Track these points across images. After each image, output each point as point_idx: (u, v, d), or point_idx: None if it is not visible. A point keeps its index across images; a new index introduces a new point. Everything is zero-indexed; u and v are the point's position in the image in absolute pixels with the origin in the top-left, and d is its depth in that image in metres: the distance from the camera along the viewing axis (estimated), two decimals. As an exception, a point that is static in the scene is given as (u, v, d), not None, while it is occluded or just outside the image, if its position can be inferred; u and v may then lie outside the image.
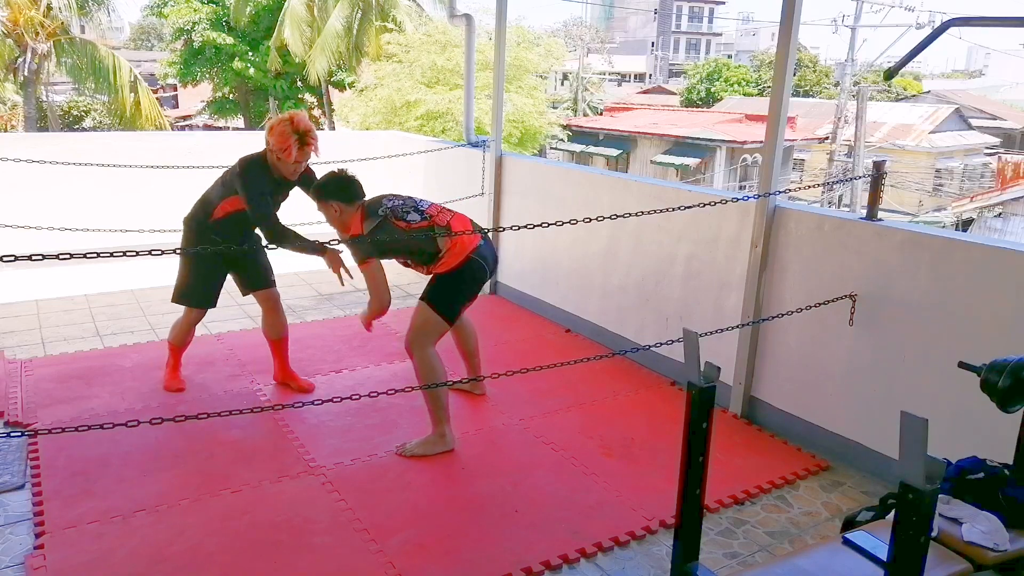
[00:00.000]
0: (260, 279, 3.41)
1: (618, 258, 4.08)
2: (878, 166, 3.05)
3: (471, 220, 3.01)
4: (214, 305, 3.39)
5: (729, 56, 43.29)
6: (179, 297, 3.35)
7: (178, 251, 2.03)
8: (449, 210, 3.03)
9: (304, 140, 2.97)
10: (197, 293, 3.33)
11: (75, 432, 2.42)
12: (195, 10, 18.04)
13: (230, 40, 17.84)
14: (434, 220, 2.91)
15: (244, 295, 3.49)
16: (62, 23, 13.84)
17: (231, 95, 20.12)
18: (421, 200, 3.02)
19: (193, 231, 3.23)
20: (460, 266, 2.90)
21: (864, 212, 2.97)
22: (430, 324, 2.92)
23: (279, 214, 3.13)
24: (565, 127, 20.73)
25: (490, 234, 4.95)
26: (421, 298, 2.96)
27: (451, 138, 10.57)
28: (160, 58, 23.87)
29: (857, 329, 2.90)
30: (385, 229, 2.86)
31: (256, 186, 3.02)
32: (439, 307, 2.92)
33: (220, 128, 20.27)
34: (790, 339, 3.18)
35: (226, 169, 3.19)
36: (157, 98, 15.68)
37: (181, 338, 3.46)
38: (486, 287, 5.20)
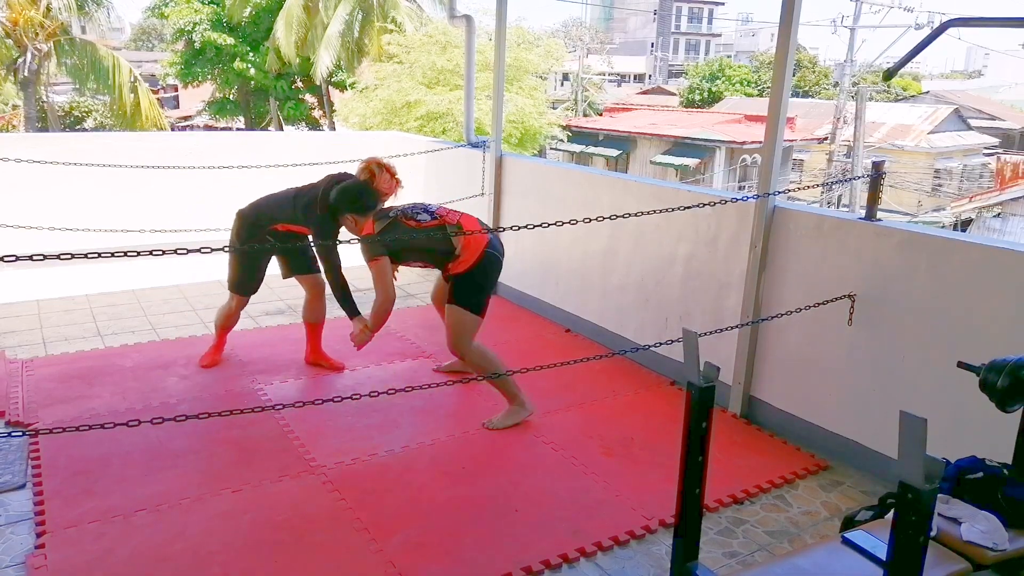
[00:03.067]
0: (308, 264, 3.63)
1: (618, 258, 4.09)
2: (877, 166, 3.06)
3: (477, 218, 3.22)
4: (255, 292, 3.67)
5: (729, 56, 43.29)
6: (235, 287, 3.63)
7: (178, 251, 2.03)
8: (456, 211, 3.20)
9: (398, 181, 3.35)
10: (251, 282, 3.63)
11: (76, 432, 2.43)
12: (196, 11, 18.04)
13: (231, 41, 17.84)
14: (444, 220, 3.10)
15: (285, 278, 3.72)
16: (62, 23, 13.84)
17: (232, 95, 20.12)
18: (429, 204, 3.23)
19: (245, 228, 3.47)
20: (477, 262, 3.08)
21: (863, 212, 2.97)
22: (465, 323, 3.09)
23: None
24: (565, 127, 20.71)
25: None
26: (448, 302, 3.13)
27: (451, 138, 10.57)
28: (161, 58, 23.87)
29: (856, 329, 2.90)
30: (396, 228, 3.08)
31: (328, 234, 3.30)
32: (467, 305, 3.09)
33: (221, 128, 20.27)
34: (789, 339, 3.18)
35: (299, 194, 3.40)
36: (158, 99, 15.71)
37: (226, 322, 3.76)
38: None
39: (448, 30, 15.00)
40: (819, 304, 2.95)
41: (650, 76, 46.43)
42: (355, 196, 3.17)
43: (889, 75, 3.70)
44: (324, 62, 15.99)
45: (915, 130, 21.48)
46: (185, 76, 19.14)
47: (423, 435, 3.13)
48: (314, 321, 3.76)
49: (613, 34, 50.75)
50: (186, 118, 25.23)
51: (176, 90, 25.70)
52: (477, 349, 3.15)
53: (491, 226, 4.93)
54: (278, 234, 3.46)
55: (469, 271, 3.09)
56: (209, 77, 19.19)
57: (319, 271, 3.57)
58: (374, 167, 3.27)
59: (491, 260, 3.12)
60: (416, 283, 5.42)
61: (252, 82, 18.64)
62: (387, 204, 3.33)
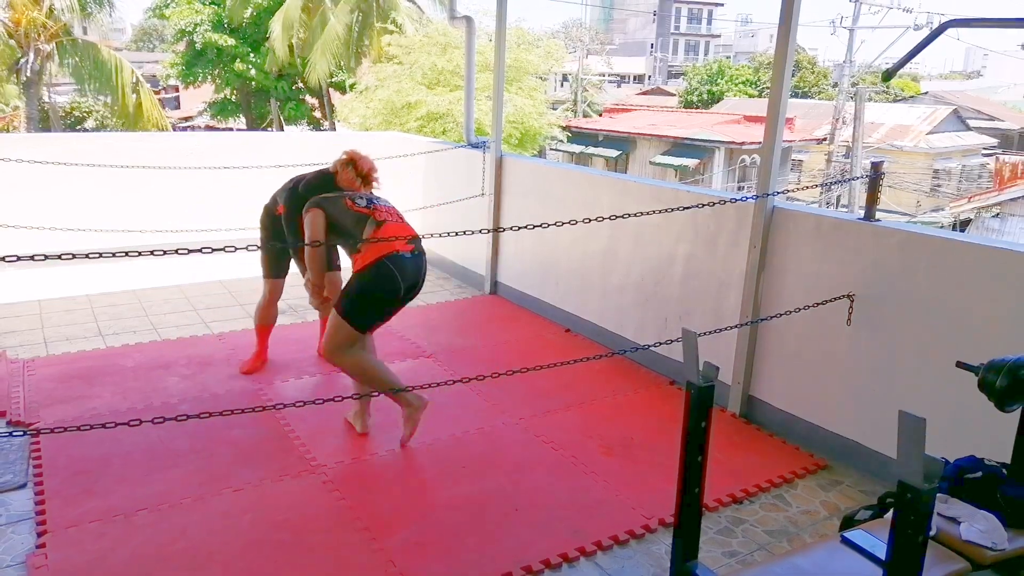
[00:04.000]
0: (328, 263, 3.66)
1: (618, 258, 4.10)
2: (876, 167, 3.06)
3: (413, 234, 2.97)
4: (284, 275, 3.75)
5: (728, 57, 43.31)
6: (266, 272, 3.72)
7: (179, 251, 2.03)
8: (401, 220, 3.01)
9: (367, 180, 3.29)
10: (278, 264, 3.72)
11: (77, 431, 2.43)
12: (197, 12, 18.05)
13: (231, 41, 17.85)
14: (373, 214, 2.95)
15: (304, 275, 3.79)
16: (64, 24, 13.84)
17: (233, 96, 20.13)
18: (383, 201, 3.09)
19: (266, 215, 3.63)
20: (369, 267, 2.83)
21: (862, 212, 2.98)
22: (340, 333, 2.86)
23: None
24: (564, 128, 20.71)
25: (491, 240, 4.98)
26: (334, 304, 2.95)
27: (451, 139, 10.56)
28: (162, 59, 23.88)
29: (855, 329, 2.91)
30: (335, 201, 3.01)
31: (293, 209, 3.32)
32: (346, 313, 2.86)
33: (222, 129, 20.27)
34: (788, 339, 3.19)
35: (289, 179, 3.51)
36: (159, 99, 15.69)
37: (264, 317, 3.78)
38: (485, 286, 5.21)
39: (448, 31, 15.01)
40: (818, 304, 2.95)
41: (650, 77, 46.44)
42: (312, 191, 3.21)
43: (888, 76, 3.71)
44: (321, 67, 15.96)
45: (914, 131, 21.48)
46: (186, 77, 19.14)
47: (423, 435, 3.13)
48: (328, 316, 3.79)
49: (613, 35, 50.77)
50: (187, 119, 25.23)
51: (177, 91, 25.70)
52: (353, 359, 2.88)
53: (491, 226, 4.94)
54: (280, 218, 3.53)
55: (358, 272, 2.87)
56: (210, 78, 19.20)
57: (337, 268, 3.66)
58: (339, 164, 3.28)
59: (381, 271, 2.81)
60: (416, 283, 5.42)
61: (253, 83, 18.64)
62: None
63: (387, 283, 2.83)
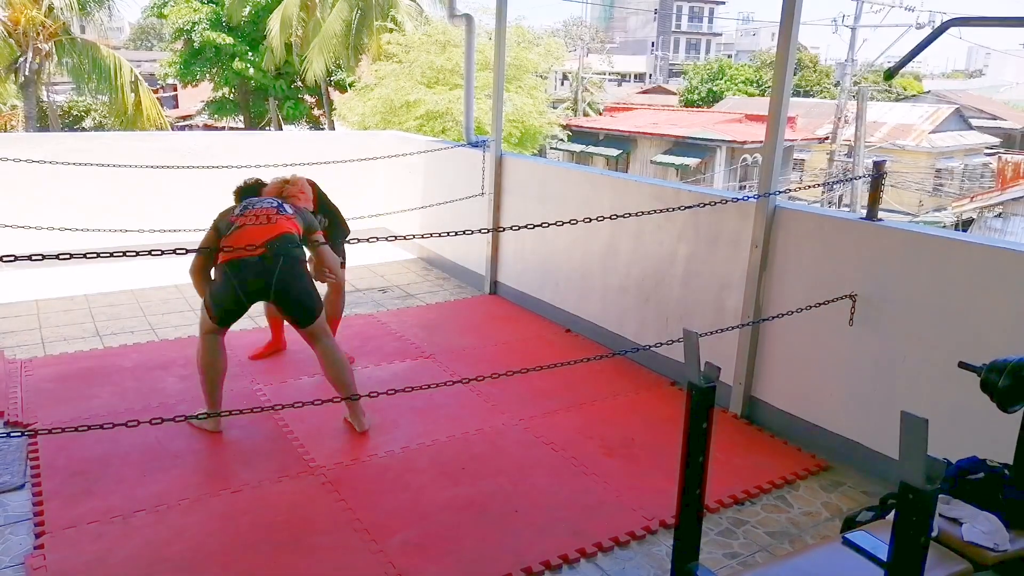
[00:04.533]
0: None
1: (618, 258, 4.08)
2: (878, 166, 3.05)
3: (275, 240, 2.97)
4: None
5: (729, 56, 43.29)
6: None
7: (177, 251, 2.02)
8: (268, 223, 3.03)
9: (283, 196, 3.34)
10: None
11: (75, 432, 2.43)
12: (195, 10, 18.04)
13: (230, 40, 17.84)
14: (235, 221, 3.04)
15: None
16: (63, 23, 13.82)
17: (231, 95, 20.12)
18: (270, 204, 3.12)
19: None
20: (216, 268, 3.07)
21: (864, 212, 2.97)
22: (204, 316, 3.13)
23: None
24: (565, 127, 20.71)
25: (490, 239, 4.96)
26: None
27: (451, 138, 10.55)
28: (160, 58, 23.87)
29: (857, 329, 2.90)
30: (227, 214, 3.14)
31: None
32: (206, 304, 3.10)
33: (220, 128, 20.26)
34: (790, 339, 3.18)
35: None
36: (157, 98, 15.66)
37: (269, 308, 3.86)
38: (485, 286, 5.20)
39: (448, 29, 14.99)
40: (820, 304, 2.94)
41: (650, 75, 46.42)
42: (240, 194, 3.44)
43: (890, 75, 3.69)
44: (317, 65, 15.94)
45: (916, 130, 21.47)
46: (184, 76, 19.13)
47: (423, 435, 3.13)
48: (331, 316, 3.75)
49: (613, 33, 50.76)
50: (185, 117, 25.23)
51: (175, 89, 25.69)
52: (203, 343, 3.10)
53: (491, 226, 4.93)
54: None
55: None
56: (208, 76, 19.18)
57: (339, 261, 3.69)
58: (277, 178, 3.42)
59: (224, 275, 3.00)
60: (416, 283, 5.42)
61: (251, 81, 18.63)
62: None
63: (225, 286, 3.00)
